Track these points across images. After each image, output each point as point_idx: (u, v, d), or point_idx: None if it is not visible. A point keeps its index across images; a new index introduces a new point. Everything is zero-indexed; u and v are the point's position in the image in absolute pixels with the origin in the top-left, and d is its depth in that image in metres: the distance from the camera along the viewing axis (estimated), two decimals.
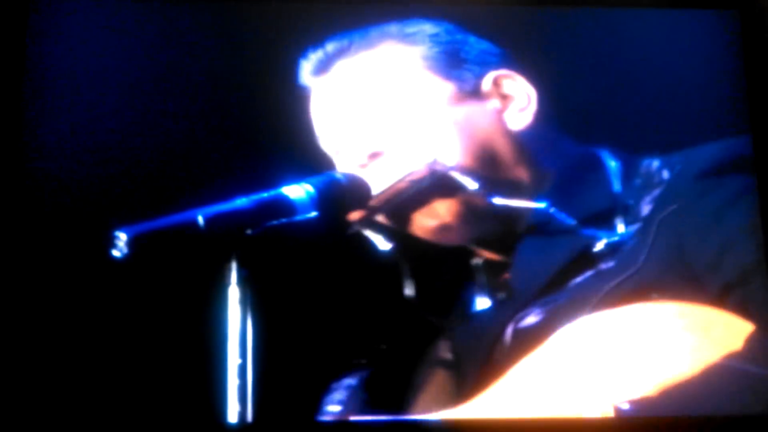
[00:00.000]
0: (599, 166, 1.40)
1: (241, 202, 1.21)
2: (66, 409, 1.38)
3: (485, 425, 1.26)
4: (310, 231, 1.25)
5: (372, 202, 1.36)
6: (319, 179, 1.30)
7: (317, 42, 1.44)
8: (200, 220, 1.15)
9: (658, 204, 1.33)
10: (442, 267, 1.46)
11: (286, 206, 1.24)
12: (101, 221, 1.25)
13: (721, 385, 1.15)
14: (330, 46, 1.41)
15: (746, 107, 1.52)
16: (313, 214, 1.25)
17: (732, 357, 1.15)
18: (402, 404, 1.38)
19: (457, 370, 1.37)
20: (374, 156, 1.38)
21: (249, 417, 1.12)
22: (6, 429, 1.36)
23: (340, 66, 1.41)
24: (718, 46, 1.56)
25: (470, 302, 1.44)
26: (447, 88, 1.38)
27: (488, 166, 1.36)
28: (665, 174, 1.36)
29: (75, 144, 1.47)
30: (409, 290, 1.41)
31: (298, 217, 1.24)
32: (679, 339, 1.18)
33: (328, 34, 1.43)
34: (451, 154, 1.35)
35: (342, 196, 1.32)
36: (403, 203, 1.37)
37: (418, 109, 1.37)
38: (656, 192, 1.35)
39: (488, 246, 1.43)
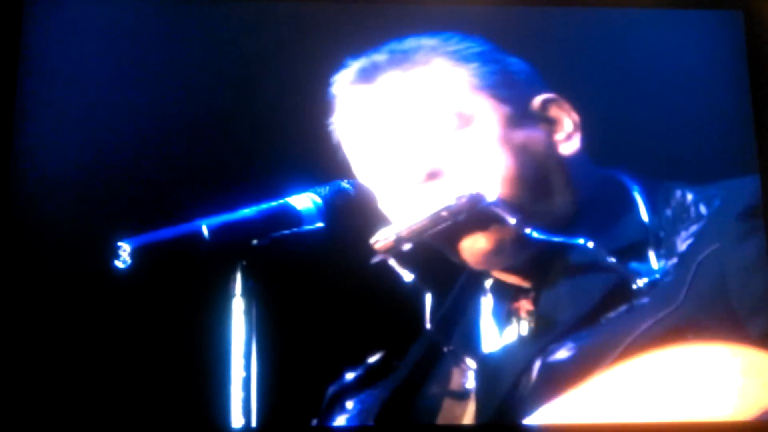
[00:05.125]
0: (623, 191, 1.37)
1: (246, 212, 1.20)
2: (73, 420, 1.38)
3: None
4: (317, 242, 1.24)
5: (402, 233, 1.32)
6: (326, 189, 1.28)
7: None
8: (205, 230, 1.14)
9: (698, 241, 1.29)
10: (455, 290, 1.43)
11: (292, 217, 1.22)
12: (104, 231, 1.24)
13: None
14: (379, 56, 1.38)
15: (750, 110, 1.51)
16: (320, 224, 1.24)
17: None
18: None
19: (476, 399, 1.33)
20: (433, 176, 1.33)
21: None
22: None
23: (389, 77, 1.37)
24: (722, 47, 1.54)
25: (478, 327, 1.41)
26: (503, 110, 1.34)
27: (537, 194, 1.33)
28: (702, 209, 1.32)
29: (77, 152, 1.46)
30: (429, 321, 1.36)
31: (305, 228, 1.23)
32: (734, 383, 1.16)
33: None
34: (508, 180, 1.31)
35: (350, 206, 1.31)
36: (439, 235, 1.32)
37: (479, 131, 1.33)
38: (694, 228, 1.31)
39: (516, 271, 1.39)
